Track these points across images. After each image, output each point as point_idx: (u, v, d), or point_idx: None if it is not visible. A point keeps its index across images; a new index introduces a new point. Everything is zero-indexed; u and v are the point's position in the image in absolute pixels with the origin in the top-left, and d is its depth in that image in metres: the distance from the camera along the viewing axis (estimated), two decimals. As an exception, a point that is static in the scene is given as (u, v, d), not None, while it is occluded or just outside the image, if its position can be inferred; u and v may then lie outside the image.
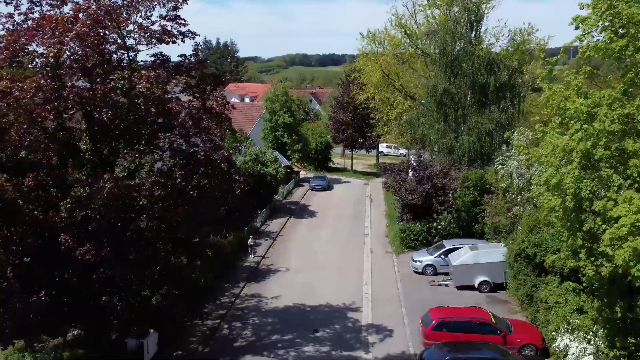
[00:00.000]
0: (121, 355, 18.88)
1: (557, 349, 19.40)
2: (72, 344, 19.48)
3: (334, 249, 35.84)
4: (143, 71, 14.53)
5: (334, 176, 66.56)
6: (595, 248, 15.32)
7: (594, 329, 18.16)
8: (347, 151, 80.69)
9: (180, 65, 15.26)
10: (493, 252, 27.70)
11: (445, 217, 35.65)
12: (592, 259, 15.32)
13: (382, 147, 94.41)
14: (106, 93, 13.60)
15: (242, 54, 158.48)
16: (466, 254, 28.04)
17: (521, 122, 37.47)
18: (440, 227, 35.13)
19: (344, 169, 74.96)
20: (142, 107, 14.06)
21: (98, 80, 13.47)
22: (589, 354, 17.41)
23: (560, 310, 20.20)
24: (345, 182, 64.41)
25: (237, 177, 17.17)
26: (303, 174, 65.13)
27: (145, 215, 14.10)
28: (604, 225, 13.86)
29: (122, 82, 13.46)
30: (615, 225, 12.63)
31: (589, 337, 18.09)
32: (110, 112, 13.24)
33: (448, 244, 30.85)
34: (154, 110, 14.28)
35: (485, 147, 38.67)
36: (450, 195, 35.58)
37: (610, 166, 13.80)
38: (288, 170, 59.32)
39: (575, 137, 13.91)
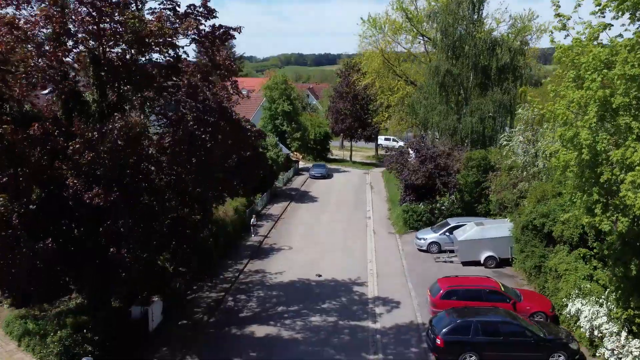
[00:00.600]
0: (125, 322, 18.48)
1: (567, 315, 19.18)
2: (75, 312, 19.07)
3: (337, 230, 35.54)
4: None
5: (333, 166, 66.28)
6: (611, 203, 15.10)
7: (606, 292, 17.96)
8: (345, 143, 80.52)
9: (190, 13, 14.82)
10: (499, 227, 27.46)
11: (448, 198, 35.44)
12: (608, 214, 15.07)
13: (381, 140, 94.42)
14: (116, 29, 13.22)
15: (237, 53, 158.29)
16: (472, 229, 27.78)
17: (523, 105, 37.31)
18: (443, 207, 34.87)
19: (343, 159, 74.65)
20: (154, 47, 13.67)
21: (107, 17, 13.02)
22: (602, 315, 17.18)
23: (571, 276, 19.98)
24: (344, 171, 64.15)
25: (249, 127, 16.79)
26: (302, 164, 64.86)
27: (154, 168, 13.73)
28: (622, 175, 13.61)
29: (132, 20, 13.00)
30: (638, 168, 12.39)
31: (601, 300, 17.87)
32: (119, 49, 12.88)
33: (452, 222, 30.59)
34: (165, 51, 13.91)
35: (488, 128, 38.51)
36: (453, 175, 35.34)
37: (629, 114, 13.56)
38: (288, 158, 59.19)
39: (593, 85, 13.66)
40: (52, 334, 16.53)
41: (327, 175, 58.38)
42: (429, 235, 30.49)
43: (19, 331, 17.75)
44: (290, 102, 60.95)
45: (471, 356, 17.20)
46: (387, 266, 27.95)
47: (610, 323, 16.84)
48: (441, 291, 20.87)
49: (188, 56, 15.50)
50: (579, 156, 14.73)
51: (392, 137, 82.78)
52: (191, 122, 14.08)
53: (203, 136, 14.05)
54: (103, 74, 13.80)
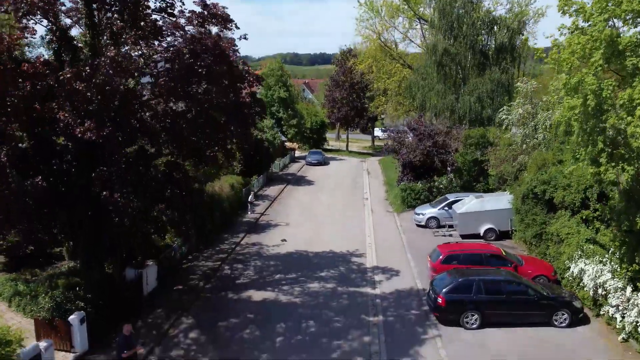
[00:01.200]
0: (119, 284, 18.02)
1: (570, 277, 18.88)
2: (68, 274, 18.62)
3: (334, 209, 35.19)
4: None
5: (330, 155, 65.86)
6: (616, 153, 14.81)
7: (609, 252, 17.68)
8: (342, 135, 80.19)
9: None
10: (498, 200, 27.17)
11: (446, 177, 35.16)
12: (613, 163, 14.77)
13: (377, 132, 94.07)
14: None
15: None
16: (471, 202, 27.48)
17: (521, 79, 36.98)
18: (441, 186, 34.55)
19: (339, 149, 74.26)
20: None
21: None
22: (607, 272, 16.88)
23: (573, 239, 19.70)
24: (341, 159, 63.78)
25: (246, 69, 16.34)
26: (298, 154, 64.46)
27: (148, 112, 13.27)
28: (628, 118, 13.32)
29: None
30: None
31: (604, 260, 17.57)
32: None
33: (451, 197, 30.29)
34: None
35: (486, 108, 38.27)
36: (451, 154, 35.05)
37: (636, 55, 13.25)
38: (284, 145, 58.79)
39: (600, 25, 13.34)
40: (43, 295, 16.07)
41: (324, 162, 58.01)
42: (427, 211, 30.17)
43: (9, 292, 17.29)
44: (287, 88, 60.62)
45: (473, 315, 16.84)
46: (385, 240, 27.60)
47: (614, 279, 16.54)
48: (441, 256, 20.53)
49: (184, 4, 15.07)
50: (583, 103, 14.42)
51: (389, 128, 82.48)
52: (187, 56, 13.61)
53: (200, 70, 13.57)
54: (95, 5, 13.30)
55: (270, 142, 43.34)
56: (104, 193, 13.03)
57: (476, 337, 16.38)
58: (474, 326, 16.83)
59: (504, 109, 30.61)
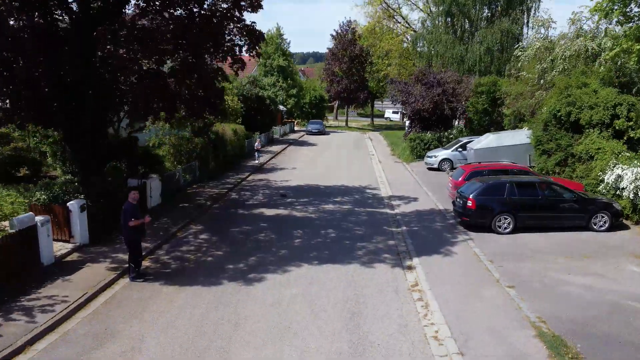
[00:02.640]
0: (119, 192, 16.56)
1: (604, 189, 17.69)
2: (64, 182, 17.11)
3: (340, 159, 33.95)
4: None
5: (329, 130, 64.54)
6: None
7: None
8: (340, 118, 78.99)
9: None
10: (516, 135, 25.97)
11: (457, 126, 33.95)
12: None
13: (389, 113, 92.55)
14: None
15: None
16: (487, 138, 26.28)
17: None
18: (451, 136, 33.32)
19: (339, 126, 72.95)
20: None
21: None
22: (649, 170, 15.70)
23: (606, 152, 18.53)
24: (341, 132, 62.45)
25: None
26: (297, 129, 63.09)
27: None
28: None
29: None
30: None
31: (643, 163, 16.41)
32: None
33: (465, 139, 29.10)
34: None
35: (496, 59, 37.15)
36: (462, 103, 33.86)
37: None
38: (283, 115, 57.43)
39: None
40: (40, 191, 14.60)
41: (325, 132, 56.72)
42: (440, 153, 28.94)
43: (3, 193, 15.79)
44: (286, 57, 59.16)
45: (506, 218, 15.58)
46: (397, 179, 26.33)
47: (658, 179, 15.36)
48: (465, 172, 19.29)
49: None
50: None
51: (401, 110, 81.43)
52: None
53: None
54: None
55: (272, 100, 41.93)
56: (108, 47, 11.62)
57: (511, 239, 15.13)
58: (507, 230, 15.57)
59: (519, 46, 29.38)
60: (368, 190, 23.19)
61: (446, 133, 33.52)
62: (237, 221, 16.92)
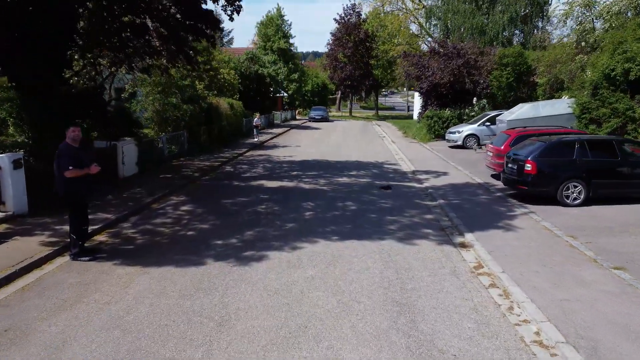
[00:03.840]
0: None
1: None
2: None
3: (349, 139, 30.54)
4: None
5: (333, 118, 61.10)
6: None
7: None
8: (343, 110, 75.36)
9: None
10: (556, 104, 22.48)
11: (479, 103, 30.44)
12: None
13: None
14: None
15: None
16: (522, 108, 22.78)
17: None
18: (473, 113, 29.83)
19: (342, 116, 69.39)
20: None
21: None
22: None
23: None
24: (346, 121, 58.96)
25: None
26: (299, 117, 59.66)
27: None
28: None
29: None
30: None
31: None
32: None
33: (493, 113, 25.63)
34: None
35: (519, 30, 33.68)
36: (484, 77, 30.33)
37: None
38: (284, 101, 53.99)
39: None
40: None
41: (328, 119, 53.30)
42: (465, 128, 25.45)
43: None
44: (287, 39, 55.60)
45: (576, 186, 12.10)
46: (418, 156, 22.86)
47: None
48: (509, 138, 15.81)
49: None
50: None
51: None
52: None
53: None
54: None
55: (272, 79, 38.44)
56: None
57: (584, 211, 11.65)
58: (577, 202, 12.08)
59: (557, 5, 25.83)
60: (387, 166, 19.72)
61: (467, 110, 30.02)
62: (231, 193, 13.45)
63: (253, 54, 38.31)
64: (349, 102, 72.68)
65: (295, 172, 17.06)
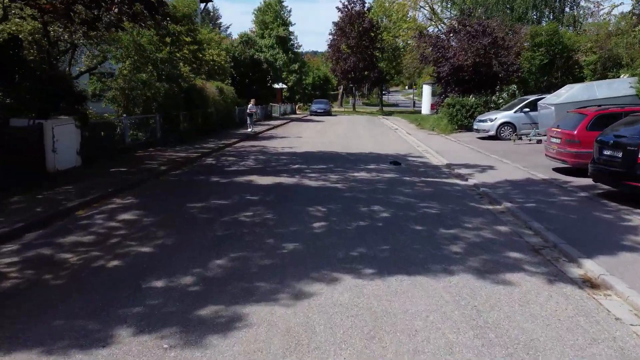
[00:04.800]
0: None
1: None
2: None
3: (358, 131, 26.49)
4: None
5: (336, 113, 56.99)
6: None
7: None
8: (346, 107, 71.05)
9: None
10: (614, 85, 18.38)
11: (509, 88, 26.36)
12: None
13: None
14: None
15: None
16: (571, 90, 18.68)
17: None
18: (501, 100, 25.77)
19: (345, 111, 65.24)
20: None
21: None
22: None
23: None
24: (349, 115, 54.74)
25: None
26: (299, 113, 55.57)
27: None
28: None
29: None
30: None
31: None
32: None
33: (532, 97, 21.58)
34: None
35: (549, 7, 29.63)
36: (513, 58, 26.25)
37: None
38: (282, 93, 49.87)
39: None
40: None
41: (331, 113, 49.20)
42: (498, 115, 21.36)
43: None
44: (286, 27, 51.43)
45: None
46: (446, 148, 18.77)
47: None
48: (586, 118, 11.74)
49: None
50: None
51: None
52: None
53: None
54: None
55: (270, 64, 34.34)
56: None
57: None
58: None
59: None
60: (411, 158, 15.67)
61: (494, 97, 25.93)
62: (205, 193, 9.36)
63: (248, 37, 34.21)
64: (350, 97, 68.53)
65: (296, 166, 12.97)
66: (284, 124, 31.63)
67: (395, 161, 14.29)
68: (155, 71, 17.02)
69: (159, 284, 4.85)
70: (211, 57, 25.02)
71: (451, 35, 28.68)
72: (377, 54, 60.24)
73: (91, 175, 10.10)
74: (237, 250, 5.99)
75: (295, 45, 54.43)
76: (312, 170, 12.24)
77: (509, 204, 9.05)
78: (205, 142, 17.74)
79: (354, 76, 62.18)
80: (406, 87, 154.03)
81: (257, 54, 33.25)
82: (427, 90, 53.51)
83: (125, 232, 6.64)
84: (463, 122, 25.30)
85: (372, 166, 13.44)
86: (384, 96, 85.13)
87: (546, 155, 13.02)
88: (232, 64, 29.20)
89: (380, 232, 7.03)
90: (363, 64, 60.68)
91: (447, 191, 10.47)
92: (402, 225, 7.42)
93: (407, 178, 11.82)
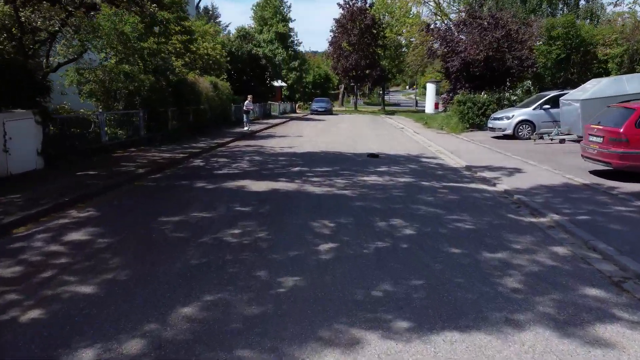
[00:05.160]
0: None
1: None
2: None
3: (363, 130, 24.83)
4: None
5: (337, 112, 55.30)
6: None
7: None
8: (346, 105, 69.32)
9: None
10: (645, 78, 16.73)
11: (524, 84, 24.71)
12: None
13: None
14: None
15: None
16: (597, 84, 17.01)
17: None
18: (515, 97, 24.11)
19: (346, 110, 63.51)
20: None
21: None
22: None
23: None
24: (351, 114, 53.07)
25: None
26: (299, 112, 53.89)
27: None
28: None
29: None
30: None
31: None
32: None
33: (551, 93, 19.91)
34: None
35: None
36: (528, 52, 24.60)
37: None
38: (282, 91, 48.16)
39: None
40: None
41: (332, 112, 47.55)
42: (515, 112, 19.68)
43: None
44: (286, 22, 49.68)
45: None
46: (461, 149, 17.09)
47: None
48: (635, 113, 10.07)
49: None
50: None
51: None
52: None
53: None
54: None
55: (269, 60, 32.63)
56: None
57: None
58: None
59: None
60: (425, 160, 13.99)
61: (507, 94, 24.26)
62: (185, 202, 7.69)
63: (246, 31, 32.46)
64: (351, 97, 66.82)
65: (297, 168, 11.29)
66: (284, 122, 29.98)
67: (372, 154, 13.74)
68: (142, 63, 15.36)
69: (85, 356, 3.17)
70: (205, 51, 23.39)
71: (461, 28, 27.01)
72: (380, 51, 58.58)
73: (51, 180, 8.42)
74: (214, 289, 4.32)
75: (296, 42, 52.55)
76: (315, 174, 10.57)
77: (556, 216, 7.39)
78: (196, 141, 16.05)
79: (355, 74, 60.53)
80: (407, 87, 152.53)
81: (255, 49, 31.52)
82: (430, 88, 51.91)
83: (67, 260, 4.96)
84: (474, 121, 23.66)
85: (382, 168, 11.78)
86: (384, 96, 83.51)
87: (583, 156, 11.36)
88: (229, 59, 27.57)
89: (406, 257, 5.36)
90: (365, 62, 59.02)
91: (476, 199, 8.80)
92: (433, 247, 5.75)
93: (426, 183, 10.16)
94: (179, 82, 16.68)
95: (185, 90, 17.01)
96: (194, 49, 23.08)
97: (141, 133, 13.95)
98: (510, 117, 19.50)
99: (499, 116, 20.14)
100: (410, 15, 51.70)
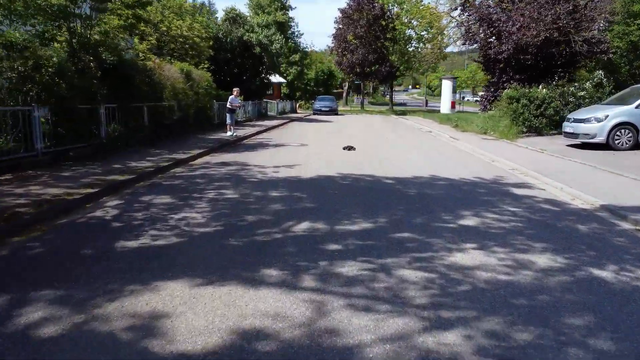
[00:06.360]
0: None
1: None
2: None
3: (387, 136, 19.07)
4: None
5: (342, 112, 49.65)
6: None
7: None
8: (351, 104, 63.70)
9: None
10: None
11: (596, 75, 18.94)
12: None
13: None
14: None
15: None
16: None
17: None
18: (583, 92, 18.40)
19: (352, 109, 57.82)
20: None
21: None
22: None
23: None
24: (358, 115, 47.31)
25: None
26: (300, 112, 48.28)
27: None
28: None
29: None
30: None
31: None
32: None
33: (656, 84, 14.21)
34: None
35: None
36: (600, 38, 18.87)
37: None
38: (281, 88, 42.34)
39: None
40: None
41: (337, 112, 41.86)
42: (610, 112, 13.89)
43: None
44: (285, 10, 43.84)
45: None
46: (547, 167, 11.28)
47: None
48: None
49: None
50: None
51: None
52: None
53: None
54: None
55: (264, 49, 26.81)
56: None
57: None
58: None
59: None
60: (519, 192, 8.22)
61: (572, 89, 18.53)
62: None
63: (236, 14, 26.66)
64: (355, 96, 61.08)
65: (302, 226, 5.50)
66: (282, 124, 24.26)
67: (350, 146, 11.72)
68: (66, 36, 9.67)
69: None
70: (179, 31, 17.71)
71: (505, 5, 21.26)
72: (389, 45, 52.81)
73: None
74: None
75: (296, 33, 46.73)
76: (345, 251, 4.82)
77: None
78: (145, 155, 10.30)
79: (362, 70, 54.56)
80: (409, 87, 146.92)
81: (247, 34, 25.71)
82: (447, 85, 46.54)
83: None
84: (532, 123, 17.98)
85: (469, 222, 6.01)
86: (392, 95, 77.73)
87: None
88: (214, 46, 21.89)
89: None
90: (373, 57, 53.15)
91: None
92: None
93: (596, 271, 4.44)
94: (122, 66, 10.95)
95: (134, 79, 11.27)
96: (164, 28, 17.48)
97: (37, 145, 8.26)
98: (602, 118, 13.74)
99: (582, 117, 14.38)
100: (421, 7, 46.57)
